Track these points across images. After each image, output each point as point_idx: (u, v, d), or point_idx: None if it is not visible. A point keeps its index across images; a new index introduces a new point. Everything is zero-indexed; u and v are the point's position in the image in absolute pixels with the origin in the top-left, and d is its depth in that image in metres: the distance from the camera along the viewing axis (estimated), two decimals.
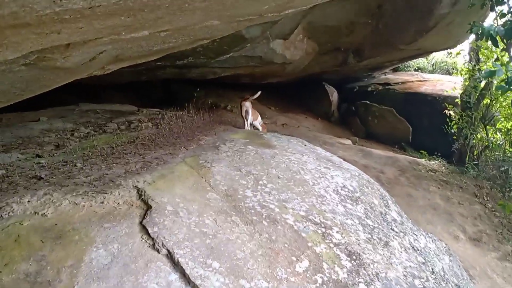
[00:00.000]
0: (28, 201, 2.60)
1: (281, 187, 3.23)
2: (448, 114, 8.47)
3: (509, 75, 4.00)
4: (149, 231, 2.35)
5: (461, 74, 9.46)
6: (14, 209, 2.49)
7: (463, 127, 7.84)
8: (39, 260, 2.06)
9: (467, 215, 5.83)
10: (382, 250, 2.74)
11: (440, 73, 13.92)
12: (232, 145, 4.19)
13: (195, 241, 2.33)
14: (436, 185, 6.61)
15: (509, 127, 7.88)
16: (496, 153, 7.93)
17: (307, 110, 11.83)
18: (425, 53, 10.66)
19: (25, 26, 1.80)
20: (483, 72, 5.85)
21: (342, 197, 3.32)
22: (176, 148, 4.02)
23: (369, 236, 2.86)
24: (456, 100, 8.66)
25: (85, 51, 2.67)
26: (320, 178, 3.55)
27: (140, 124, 5.18)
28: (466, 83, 8.26)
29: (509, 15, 5.08)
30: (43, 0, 1.61)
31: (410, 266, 2.66)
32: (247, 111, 6.12)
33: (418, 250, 3.00)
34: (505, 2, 5.33)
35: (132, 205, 2.65)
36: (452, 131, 8.34)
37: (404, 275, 2.52)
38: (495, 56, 7.35)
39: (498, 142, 7.86)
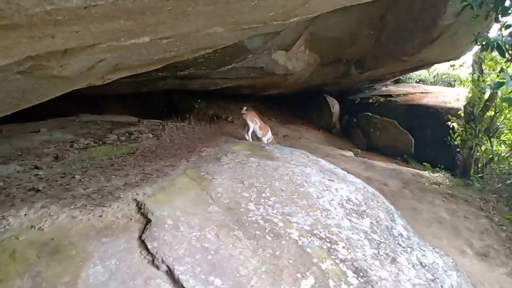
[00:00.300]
0: (25, 214, 2.53)
1: (285, 200, 3.15)
2: (451, 126, 8.40)
3: None
4: (149, 246, 2.27)
5: (465, 85, 9.42)
6: (10, 223, 2.42)
7: (467, 139, 7.77)
8: (34, 276, 1.99)
9: (474, 229, 5.73)
10: (390, 266, 2.66)
11: (441, 85, 13.93)
12: (234, 156, 4.12)
13: (196, 257, 2.25)
14: (440, 198, 6.53)
15: None
16: (501, 165, 7.85)
17: (308, 121, 11.85)
18: (428, 64, 10.64)
19: (14, 27, 1.70)
20: (491, 83, 5.81)
21: (347, 211, 3.24)
22: (177, 160, 3.94)
23: (376, 251, 2.78)
24: (459, 112, 8.61)
25: (83, 59, 2.56)
26: (324, 191, 3.47)
27: (140, 135, 5.11)
28: (470, 95, 8.21)
29: None
30: None
31: (419, 283, 2.58)
32: (246, 122, 6.03)
33: (426, 266, 2.92)
34: (510, 13, 5.30)
35: (131, 219, 2.57)
36: (456, 143, 8.27)
37: None
38: (499, 68, 7.31)
39: (503, 154, 7.79)
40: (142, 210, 2.67)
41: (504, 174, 7.41)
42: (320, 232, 2.79)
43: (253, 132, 6.13)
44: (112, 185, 3.13)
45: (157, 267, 2.13)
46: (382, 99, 12.11)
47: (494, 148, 7.85)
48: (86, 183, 3.18)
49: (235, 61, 7.04)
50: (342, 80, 10.67)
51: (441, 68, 14.45)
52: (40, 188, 3.04)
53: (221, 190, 3.17)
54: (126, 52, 2.91)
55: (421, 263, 2.93)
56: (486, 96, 7.82)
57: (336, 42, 8.64)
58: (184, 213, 2.71)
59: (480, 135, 7.72)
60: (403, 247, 3.04)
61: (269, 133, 6.47)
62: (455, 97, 9.64)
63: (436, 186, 7.10)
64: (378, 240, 2.95)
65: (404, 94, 11.92)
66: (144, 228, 2.46)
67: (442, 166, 8.44)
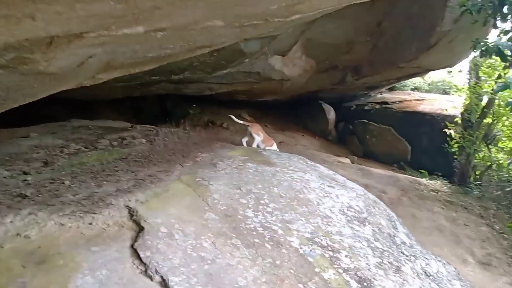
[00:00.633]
0: (11, 221, 2.38)
1: (284, 207, 3.04)
2: (448, 133, 8.37)
3: None
4: (141, 256, 2.13)
5: (462, 92, 9.43)
6: None
7: (465, 146, 7.73)
8: None
9: (475, 237, 5.65)
10: (394, 275, 2.57)
11: (437, 93, 13.98)
12: (231, 162, 3.99)
13: (192, 267, 2.12)
14: (440, 206, 6.46)
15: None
16: (500, 172, 7.80)
17: (304, 128, 11.81)
18: (424, 71, 10.65)
19: None
20: (494, 86, 5.78)
21: (349, 218, 3.13)
22: (171, 165, 3.81)
23: (380, 260, 2.68)
24: (456, 119, 8.59)
25: (72, 53, 2.38)
26: (324, 198, 3.36)
27: (133, 141, 4.97)
28: (467, 102, 8.19)
29: None
30: None
31: None
32: (251, 135, 5.78)
33: (430, 275, 2.84)
34: (508, 19, 5.28)
35: (123, 227, 2.44)
36: (453, 150, 8.23)
37: None
38: (496, 74, 7.29)
39: (502, 161, 7.75)
40: (135, 217, 2.54)
41: (502, 181, 7.36)
42: (322, 240, 2.68)
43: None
44: (103, 191, 2.99)
45: (151, 278, 2.01)
46: (378, 106, 12.10)
47: (493, 155, 7.82)
48: (76, 189, 3.04)
49: (231, 65, 6.94)
50: (338, 86, 10.63)
51: (436, 75, 14.50)
52: (27, 194, 2.89)
53: (218, 196, 3.04)
54: (118, 47, 2.75)
55: (425, 273, 2.85)
56: (483, 103, 7.80)
57: (332, 49, 8.60)
58: (179, 220, 2.58)
59: (477, 142, 7.69)
60: (407, 256, 2.94)
61: (274, 145, 6.10)
62: (451, 104, 9.64)
63: (435, 193, 7.03)
64: (381, 249, 2.85)
65: (400, 101, 11.92)
66: (137, 236, 2.32)
67: (439, 173, 8.39)
